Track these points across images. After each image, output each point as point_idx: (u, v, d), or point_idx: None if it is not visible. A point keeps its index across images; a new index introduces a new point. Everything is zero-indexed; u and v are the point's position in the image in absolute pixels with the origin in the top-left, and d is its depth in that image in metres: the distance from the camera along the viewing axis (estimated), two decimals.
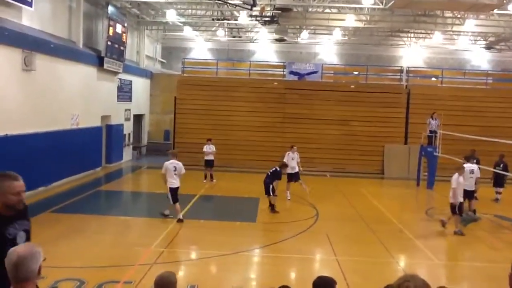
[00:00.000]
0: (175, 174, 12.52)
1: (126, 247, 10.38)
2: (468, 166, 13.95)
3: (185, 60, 27.40)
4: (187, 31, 28.07)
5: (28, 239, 4.05)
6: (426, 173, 20.21)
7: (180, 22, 26.00)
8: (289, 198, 15.93)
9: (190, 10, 24.75)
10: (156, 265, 8.92)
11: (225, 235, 11.67)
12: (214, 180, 19.22)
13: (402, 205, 16.91)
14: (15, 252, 2.84)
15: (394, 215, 14.53)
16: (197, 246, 10.99)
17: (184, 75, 25.89)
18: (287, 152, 16.37)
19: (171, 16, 23.91)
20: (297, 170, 16.15)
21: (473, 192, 14.05)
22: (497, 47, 28.74)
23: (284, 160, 15.86)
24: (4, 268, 2.80)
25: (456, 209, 12.30)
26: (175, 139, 24.41)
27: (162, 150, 26.40)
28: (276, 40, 30.05)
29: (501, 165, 16.41)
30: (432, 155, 19.64)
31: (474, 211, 14.14)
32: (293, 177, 16.07)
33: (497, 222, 14.35)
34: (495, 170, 16.62)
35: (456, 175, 12.37)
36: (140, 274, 8.49)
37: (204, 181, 19.04)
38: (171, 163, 12.64)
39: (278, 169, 14.50)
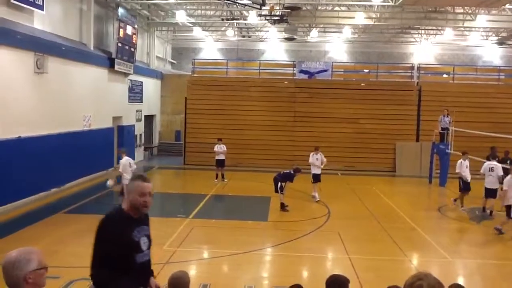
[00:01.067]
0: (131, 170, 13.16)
1: None
2: (488, 163, 13.92)
3: (195, 60, 27.52)
4: (197, 32, 28.17)
5: (150, 245, 4.08)
6: (438, 171, 20.07)
7: (189, 22, 26.10)
8: (318, 199, 15.73)
9: (199, 11, 24.84)
10: (168, 265, 8.97)
11: (237, 234, 11.69)
12: (226, 180, 19.27)
13: (414, 203, 16.78)
14: (6, 256, 2.67)
15: (406, 213, 14.45)
16: (209, 246, 11.01)
17: (194, 75, 25.98)
18: (311, 153, 16.17)
19: (181, 17, 24.02)
20: (319, 172, 16.01)
21: (494, 190, 13.87)
22: (509, 42, 28.43)
23: (310, 161, 15.95)
24: (133, 269, 2.77)
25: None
26: (186, 140, 24.52)
27: (174, 151, 26.63)
28: (286, 39, 30.01)
29: (508, 162, 16.17)
30: (444, 152, 19.49)
31: (491, 212, 14.01)
32: (317, 178, 15.96)
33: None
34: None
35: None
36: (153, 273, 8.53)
37: (216, 180, 19.09)
38: (127, 160, 13.45)
39: (292, 172, 14.48)
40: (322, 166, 16.01)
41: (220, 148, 19.20)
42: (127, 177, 12.79)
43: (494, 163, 14.25)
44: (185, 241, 11.05)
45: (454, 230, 13.18)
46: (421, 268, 9.70)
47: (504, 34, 26.70)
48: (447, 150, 19.36)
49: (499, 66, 28.75)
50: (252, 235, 11.79)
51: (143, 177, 3.86)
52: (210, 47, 31.98)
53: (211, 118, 23.91)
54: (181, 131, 26.19)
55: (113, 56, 20.35)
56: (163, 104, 28.71)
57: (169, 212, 13.56)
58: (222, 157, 19.18)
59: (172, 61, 32.02)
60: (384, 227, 12.61)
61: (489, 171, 13.86)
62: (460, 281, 8.90)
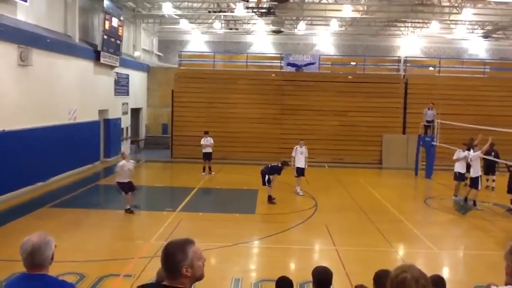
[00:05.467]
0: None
1: (126, 240, 10.41)
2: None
3: (182, 53, 27.33)
4: (184, 24, 27.93)
5: None
6: (424, 163, 20.26)
7: (176, 15, 25.86)
8: (301, 194, 15.64)
9: (186, 3, 24.63)
10: (156, 258, 8.93)
11: (224, 227, 11.69)
12: (213, 173, 19.24)
13: (401, 195, 16.95)
14: (29, 241, 3.02)
15: (393, 204, 14.57)
16: (197, 239, 10.71)
17: (181, 68, 25.82)
18: (295, 147, 15.94)
19: (167, 9, 23.79)
20: (303, 166, 15.80)
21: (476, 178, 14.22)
22: (495, 35, 28.65)
23: (292, 155, 15.76)
24: None
25: None
26: (173, 133, 24.40)
27: (160, 144, 26.50)
28: (273, 31, 29.91)
29: (492, 154, 16.41)
30: (430, 144, 19.68)
31: (474, 202, 14.24)
32: (301, 172, 15.77)
33: (495, 210, 14.41)
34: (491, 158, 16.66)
35: None
36: (140, 267, 8.52)
37: (203, 173, 19.05)
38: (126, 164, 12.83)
39: (279, 165, 14.47)
40: (305, 165, 15.82)
41: (207, 141, 19.14)
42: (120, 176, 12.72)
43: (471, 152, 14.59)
44: (172, 234, 10.99)
45: (440, 221, 13.32)
46: (407, 259, 9.80)
47: (489, 28, 26.91)
48: (433, 143, 19.55)
49: (485, 59, 29.01)
50: (239, 227, 11.80)
51: (190, 240, 2.94)
52: (197, 40, 31.76)
53: (198, 111, 23.82)
54: (168, 124, 26.06)
55: (99, 48, 20.12)
56: (149, 97, 28.51)
57: (156, 206, 13.51)
58: (209, 150, 19.14)
59: (159, 53, 31.74)
60: (371, 219, 12.71)
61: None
62: (446, 271, 9.03)
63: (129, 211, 12.56)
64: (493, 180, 17.10)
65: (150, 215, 12.99)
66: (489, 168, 16.95)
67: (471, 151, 14.72)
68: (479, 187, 14.31)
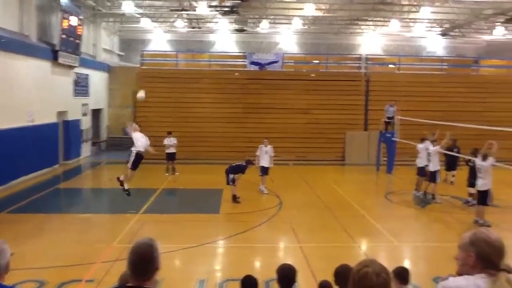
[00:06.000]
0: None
1: (88, 245, 10.16)
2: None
3: (144, 52, 26.94)
4: (145, 23, 27.49)
5: None
6: (386, 158, 20.69)
7: (137, 13, 25.45)
8: (266, 192, 15.63)
9: (147, 1, 24.27)
10: (119, 262, 8.76)
11: (189, 227, 11.59)
12: (177, 173, 19.06)
13: (363, 190, 17.24)
14: None
15: (355, 200, 14.81)
16: (161, 240, 10.58)
17: (144, 67, 25.46)
18: (260, 146, 15.92)
19: (128, 7, 23.37)
20: (267, 165, 15.78)
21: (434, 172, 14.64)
22: (452, 33, 29.52)
23: (257, 154, 15.72)
24: None
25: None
26: None
27: (122, 145, 25.95)
28: (236, 30, 29.87)
29: (454, 150, 16.86)
30: (391, 140, 20.11)
31: (433, 196, 14.64)
32: (265, 171, 15.78)
33: (453, 203, 14.85)
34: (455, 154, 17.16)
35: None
36: (102, 271, 8.34)
37: (166, 174, 18.85)
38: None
39: (244, 164, 14.46)
40: (271, 163, 15.83)
41: (170, 141, 18.94)
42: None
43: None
44: (136, 237, 10.82)
45: (400, 215, 13.63)
46: (370, 253, 9.98)
47: (447, 26, 27.70)
48: (393, 139, 19.98)
49: (443, 56, 29.88)
50: (204, 228, 11.73)
51: (154, 238, 2.95)
52: (159, 39, 31.36)
53: (161, 111, 23.54)
54: None
55: (57, 48, 19.56)
56: (111, 98, 27.93)
57: (118, 208, 13.25)
58: (172, 150, 18.95)
59: (120, 53, 31.19)
60: (335, 215, 12.87)
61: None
62: (407, 264, 9.22)
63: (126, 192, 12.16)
64: (453, 176, 17.56)
65: (112, 218, 12.74)
66: (451, 163, 17.39)
67: (431, 145, 15.10)
68: (438, 181, 14.73)
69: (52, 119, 19.77)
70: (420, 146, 15.58)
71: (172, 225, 11.83)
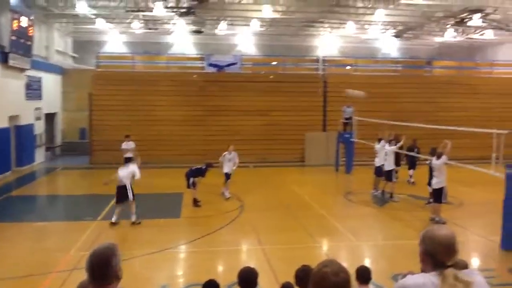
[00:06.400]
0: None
1: (44, 254, 9.80)
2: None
3: (99, 54, 26.31)
4: (100, 24, 26.83)
5: None
6: (344, 159, 21.03)
7: (92, 14, 24.80)
8: (228, 196, 15.28)
9: (102, 2, 23.66)
10: (76, 271, 8.49)
11: (149, 233, 11.39)
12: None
13: (323, 191, 17.45)
14: None
15: (315, 201, 14.97)
16: (121, 247, 10.38)
17: (99, 70, 24.84)
18: (224, 153, 15.46)
19: (82, 8, 22.71)
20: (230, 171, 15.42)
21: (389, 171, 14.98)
22: (405, 35, 30.35)
23: (220, 160, 15.39)
24: None
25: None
26: (92, 138, 23.41)
27: (78, 150, 25.27)
28: (194, 31, 29.63)
29: (415, 150, 17.28)
30: (349, 141, 20.46)
31: (391, 195, 14.98)
32: (228, 176, 15.40)
33: (411, 201, 15.25)
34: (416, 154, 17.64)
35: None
36: (59, 281, 8.09)
37: None
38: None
39: (204, 167, 14.33)
40: (234, 168, 15.55)
41: (128, 145, 18.56)
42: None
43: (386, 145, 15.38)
44: (94, 244, 10.50)
45: (359, 214, 13.88)
46: (331, 253, 10.11)
47: (400, 28, 28.44)
48: (351, 139, 20.34)
49: (397, 58, 30.71)
50: (165, 233, 11.56)
51: (114, 243, 2.98)
52: (115, 40, 30.71)
53: (119, 114, 23.03)
54: (86, 128, 24.94)
55: (7, 50, 18.80)
56: (65, 101, 27.11)
57: (75, 216, 12.87)
58: (130, 154, 18.55)
59: (74, 55, 30.34)
60: (296, 216, 12.97)
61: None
62: (367, 262, 9.38)
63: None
64: (410, 175, 17.96)
65: (69, 226, 12.34)
66: (411, 163, 17.78)
67: (387, 144, 15.44)
68: (394, 180, 15.09)
69: (3, 124, 18.99)
70: (377, 146, 15.92)
71: (132, 231, 11.58)
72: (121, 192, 11.97)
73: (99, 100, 23.23)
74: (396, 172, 18.25)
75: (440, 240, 2.61)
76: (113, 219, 11.87)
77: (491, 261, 9.68)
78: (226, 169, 15.39)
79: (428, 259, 2.63)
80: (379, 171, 15.67)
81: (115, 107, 23.09)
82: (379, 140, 16.00)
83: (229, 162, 15.40)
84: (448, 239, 2.60)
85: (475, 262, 9.64)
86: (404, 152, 16.98)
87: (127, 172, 12.22)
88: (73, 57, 30.20)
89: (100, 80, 23.59)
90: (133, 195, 12.08)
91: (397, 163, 18.21)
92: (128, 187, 11.99)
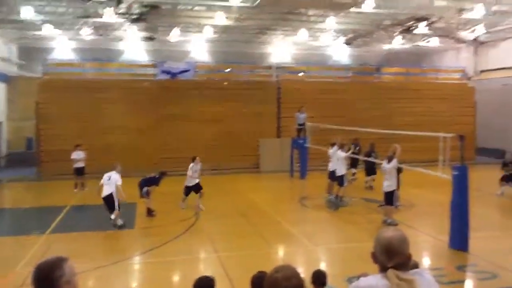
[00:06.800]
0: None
1: None
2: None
3: (47, 61, 25.43)
4: (48, 30, 25.98)
5: None
6: (299, 164, 21.24)
7: (38, 20, 23.97)
8: (202, 209, 14.51)
9: (49, 7, 22.92)
10: (24, 287, 8.11)
11: (102, 245, 11.09)
12: (86, 189, 18.11)
13: (278, 197, 17.53)
14: None
15: (271, 207, 15.02)
16: (72, 261, 10.20)
17: (47, 77, 23.99)
18: (191, 165, 14.73)
19: (28, 13, 21.89)
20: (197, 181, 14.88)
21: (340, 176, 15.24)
22: (355, 42, 31.14)
23: (188, 174, 14.70)
24: None
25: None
26: (39, 148, 22.51)
27: (26, 160, 24.24)
28: (146, 38, 29.22)
29: (372, 154, 17.55)
30: (303, 146, 20.71)
31: (341, 198, 15.23)
32: (195, 189, 14.82)
33: (364, 204, 15.56)
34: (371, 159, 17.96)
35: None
36: None
37: (75, 190, 17.88)
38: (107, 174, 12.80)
39: (157, 176, 14.10)
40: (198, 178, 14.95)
41: (78, 155, 18.02)
42: None
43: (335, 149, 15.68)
44: (42, 259, 10.09)
45: (314, 219, 14.04)
46: (286, 258, 10.15)
47: (350, 35, 29.16)
48: (305, 145, 20.59)
49: (348, 65, 31.43)
50: (118, 244, 11.28)
51: (63, 257, 2.80)
52: (63, 47, 29.81)
53: (68, 123, 22.27)
54: (33, 138, 23.99)
55: None
56: (10, 110, 26.02)
57: (22, 230, 12.30)
58: (81, 164, 18.03)
59: (20, 62, 29.19)
60: (252, 223, 12.95)
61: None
62: (322, 266, 9.47)
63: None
64: (373, 180, 18.11)
65: (15, 241, 11.76)
66: (370, 169, 17.89)
67: (339, 150, 15.69)
68: (345, 184, 15.30)
69: None
70: (330, 151, 16.16)
71: (84, 244, 11.18)
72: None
73: (46, 108, 22.42)
74: (354, 174, 18.70)
75: (381, 242, 2.65)
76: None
77: (441, 260, 10.00)
78: (191, 181, 14.73)
79: (376, 260, 2.68)
80: (332, 176, 15.89)
81: (64, 115, 22.34)
82: (332, 145, 16.23)
83: (195, 173, 14.74)
84: (388, 242, 2.63)
85: (426, 261, 9.94)
86: (362, 157, 17.37)
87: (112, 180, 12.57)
88: (19, 64, 29.06)
89: (48, 88, 22.76)
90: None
91: (354, 165, 18.68)
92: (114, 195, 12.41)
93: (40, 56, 27.74)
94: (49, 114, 22.42)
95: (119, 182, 12.55)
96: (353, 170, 18.93)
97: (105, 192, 12.40)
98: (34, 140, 23.93)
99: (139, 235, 12.38)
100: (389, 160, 12.53)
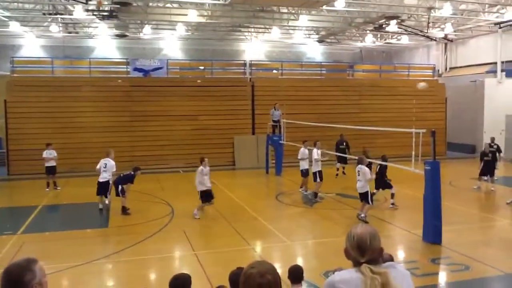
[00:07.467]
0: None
1: None
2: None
3: (15, 59, 24.78)
4: (15, 27, 25.32)
5: None
6: (274, 161, 21.31)
7: (4, 16, 23.33)
8: (198, 217, 13.09)
9: (16, 4, 22.32)
10: None
11: (75, 245, 10.84)
12: (58, 188, 17.78)
13: (254, 193, 17.56)
14: None
15: (247, 203, 15.02)
16: (44, 261, 9.64)
17: (15, 75, 23.41)
18: (200, 168, 13.40)
19: None
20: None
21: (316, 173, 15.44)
22: (328, 40, 31.42)
23: (197, 180, 13.24)
24: None
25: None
26: (8, 147, 21.95)
27: None
28: (117, 35, 28.81)
29: (344, 143, 18.06)
30: (278, 143, 20.77)
31: (316, 195, 15.40)
32: (209, 195, 13.35)
33: (339, 200, 15.72)
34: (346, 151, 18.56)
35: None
36: None
37: (47, 189, 17.50)
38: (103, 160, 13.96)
39: (132, 173, 13.95)
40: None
41: (49, 154, 17.61)
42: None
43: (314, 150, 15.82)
44: (14, 259, 9.84)
45: (290, 215, 14.11)
46: (264, 254, 10.16)
47: (323, 33, 29.39)
48: (280, 141, 20.66)
49: (321, 62, 31.66)
50: (92, 244, 11.07)
51: (33, 258, 2.74)
52: (31, 44, 29.10)
53: (38, 122, 21.81)
54: (2, 138, 23.36)
55: None
56: None
57: None
58: (52, 163, 17.63)
59: None
60: (228, 220, 12.91)
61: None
62: (299, 261, 9.53)
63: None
64: (343, 168, 18.93)
65: None
66: (341, 158, 18.88)
67: (315, 149, 15.79)
68: (318, 180, 15.42)
69: None
70: (302, 148, 16.26)
71: (56, 244, 10.95)
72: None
73: (15, 107, 21.87)
74: (344, 168, 19.81)
75: (352, 239, 2.68)
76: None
77: (415, 253, 10.19)
78: (206, 186, 13.29)
79: (349, 256, 2.72)
80: (305, 172, 16.10)
81: (34, 114, 21.85)
82: (304, 142, 16.44)
83: (205, 176, 13.30)
84: (359, 238, 2.67)
85: (400, 254, 10.11)
86: (335, 153, 17.74)
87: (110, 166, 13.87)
88: None
89: (16, 86, 22.22)
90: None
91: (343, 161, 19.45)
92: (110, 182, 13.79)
93: (7, 54, 26.99)
94: (18, 113, 21.91)
95: (114, 169, 13.93)
96: (338, 165, 19.76)
97: (102, 178, 13.81)
98: (2, 140, 23.29)
99: (114, 234, 12.21)
100: (360, 161, 12.67)
